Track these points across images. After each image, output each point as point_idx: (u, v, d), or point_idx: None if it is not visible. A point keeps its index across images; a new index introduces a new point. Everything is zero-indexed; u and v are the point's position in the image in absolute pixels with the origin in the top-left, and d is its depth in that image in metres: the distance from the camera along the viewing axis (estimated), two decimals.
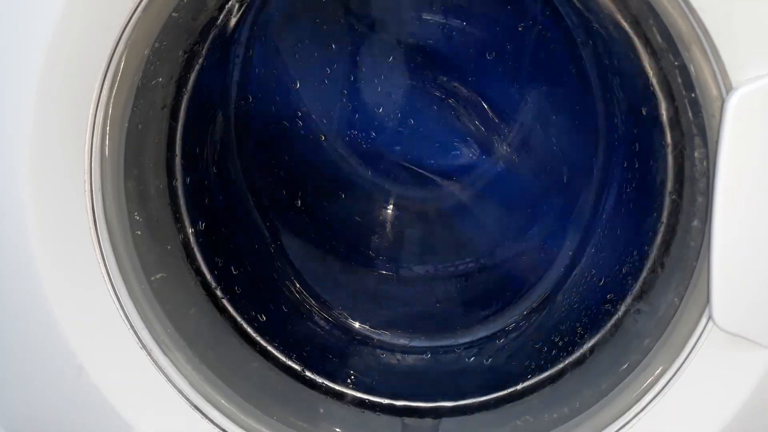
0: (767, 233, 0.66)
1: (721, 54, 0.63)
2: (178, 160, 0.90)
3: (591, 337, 0.88)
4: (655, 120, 0.78)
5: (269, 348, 0.94)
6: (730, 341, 0.69)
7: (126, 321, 0.76)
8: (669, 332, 0.74)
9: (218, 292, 0.94)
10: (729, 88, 0.64)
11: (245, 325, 0.94)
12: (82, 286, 0.74)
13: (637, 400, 0.74)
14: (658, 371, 0.73)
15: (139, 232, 0.80)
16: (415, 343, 1.08)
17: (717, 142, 0.64)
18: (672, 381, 0.72)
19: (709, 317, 0.69)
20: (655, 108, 0.78)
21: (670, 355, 0.73)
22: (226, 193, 1.05)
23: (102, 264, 0.75)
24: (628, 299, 0.85)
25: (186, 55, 0.87)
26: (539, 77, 1.11)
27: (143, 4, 0.69)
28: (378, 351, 1.06)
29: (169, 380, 0.78)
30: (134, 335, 0.76)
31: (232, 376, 0.84)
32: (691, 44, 0.66)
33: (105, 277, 0.75)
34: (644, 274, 0.84)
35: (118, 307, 0.75)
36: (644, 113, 0.82)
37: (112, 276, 0.75)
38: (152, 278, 0.81)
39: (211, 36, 0.90)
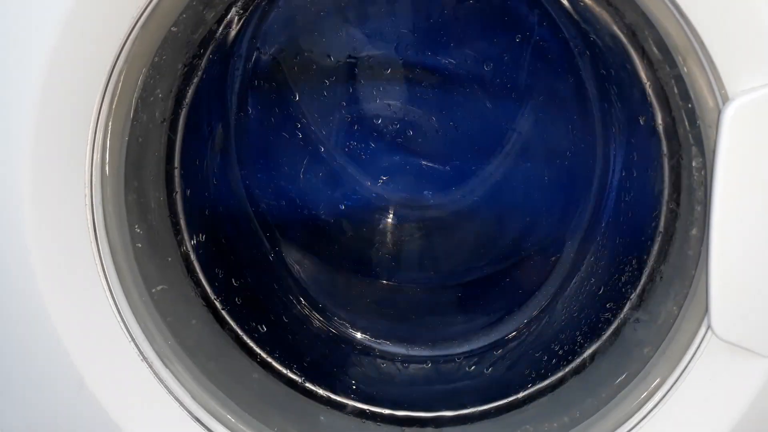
0: (765, 242, 0.66)
1: (716, 65, 0.63)
2: (178, 173, 0.90)
3: (591, 345, 0.88)
4: (652, 130, 0.79)
5: (270, 359, 0.94)
6: (729, 350, 0.69)
7: (127, 333, 0.76)
8: (668, 341, 0.75)
9: (219, 304, 0.94)
10: (725, 99, 0.64)
11: (246, 336, 0.94)
12: (83, 299, 0.74)
13: (638, 409, 0.75)
14: (658, 380, 0.74)
15: (139, 245, 0.81)
16: (416, 352, 1.08)
17: (714, 152, 0.65)
18: (672, 390, 0.72)
19: (708, 326, 0.69)
20: (652, 118, 0.78)
21: (669, 364, 0.73)
22: (226, 205, 1.05)
23: (103, 276, 0.75)
24: (628, 308, 0.85)
25: (185, 69, 0.87)
26: (537, 88, 1.11)
27: (143, 19, 0.69)
28: (378, 360, 1.06)
29: (170, 392, 0.78)
30: (135, 347, 0.76)
31: (233, 387, 0.84)
32: (686, 55, 0.66)
33: (106, 290, 0.75)
34: (643, 282, 0.84)
35: (119, 319, 0.76)
36: (641, 123, 0.82)
37: (113, 288, 0.75)
38: (153, 290, 0.81)
39: (210, 49, 0.91)
